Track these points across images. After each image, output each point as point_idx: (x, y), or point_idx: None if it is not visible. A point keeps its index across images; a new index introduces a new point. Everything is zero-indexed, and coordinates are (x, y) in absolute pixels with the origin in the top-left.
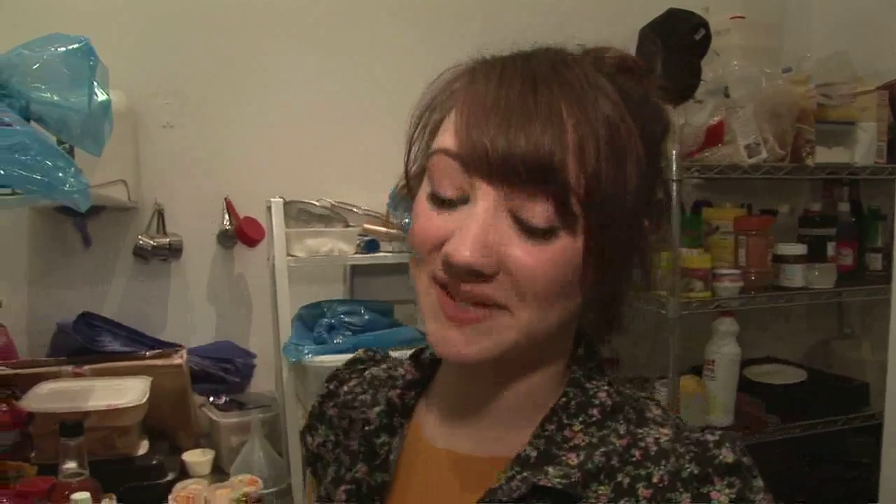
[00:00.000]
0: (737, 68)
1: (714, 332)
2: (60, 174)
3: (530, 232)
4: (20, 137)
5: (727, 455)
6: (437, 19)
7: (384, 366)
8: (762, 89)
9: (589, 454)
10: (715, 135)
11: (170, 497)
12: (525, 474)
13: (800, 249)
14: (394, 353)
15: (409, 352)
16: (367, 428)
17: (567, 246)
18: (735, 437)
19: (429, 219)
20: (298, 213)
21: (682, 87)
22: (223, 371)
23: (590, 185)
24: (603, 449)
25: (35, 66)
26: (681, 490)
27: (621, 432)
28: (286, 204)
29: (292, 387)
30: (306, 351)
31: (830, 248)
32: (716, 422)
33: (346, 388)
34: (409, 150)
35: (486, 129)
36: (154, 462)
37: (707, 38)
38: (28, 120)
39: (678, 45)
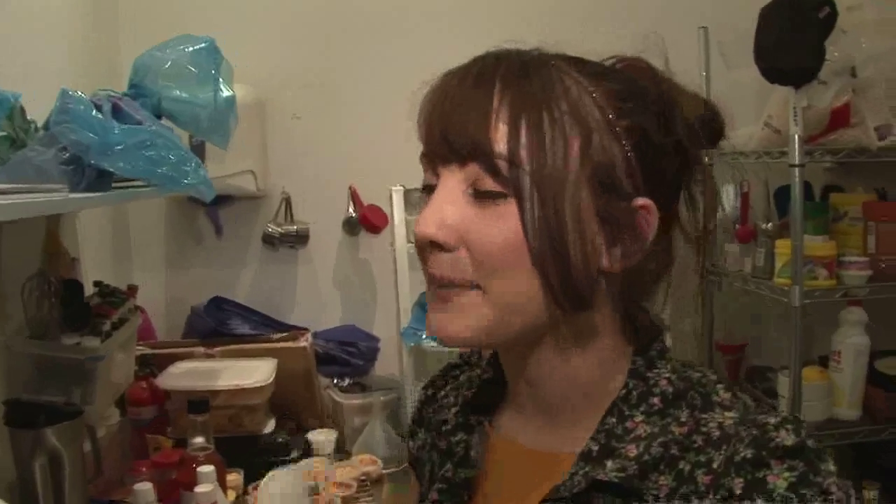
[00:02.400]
0: (864, 46)
1: (841, 322)
2: (184, 167)
3: (482, 203)
4: (147, 135)
5: (786, 437)
6: (561, 8)
7: (478, 370)
8: (893, 67)
9: (647, 445)
10: (841, 117)
11: None
12: (586, 469)
13: None
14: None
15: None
16: (443, 428)
17: (513, 211)
18: (798, 419)
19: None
20: (420, 201)
21: (805, 68)
22: (347, 354)
23: (514, 152)
24: (661, 439)
25: (166, 66)
26: (733, 475)
27: (683, 419)
28: (407, 191)
29: (412, 370)
30: (424, 336)
31: None
32: (842, 415)
33: (442, 392)
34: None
35: (432, 121)
36: (280, 440)
37: (832, 17)
38: (160, 117)
39: (801, 25)
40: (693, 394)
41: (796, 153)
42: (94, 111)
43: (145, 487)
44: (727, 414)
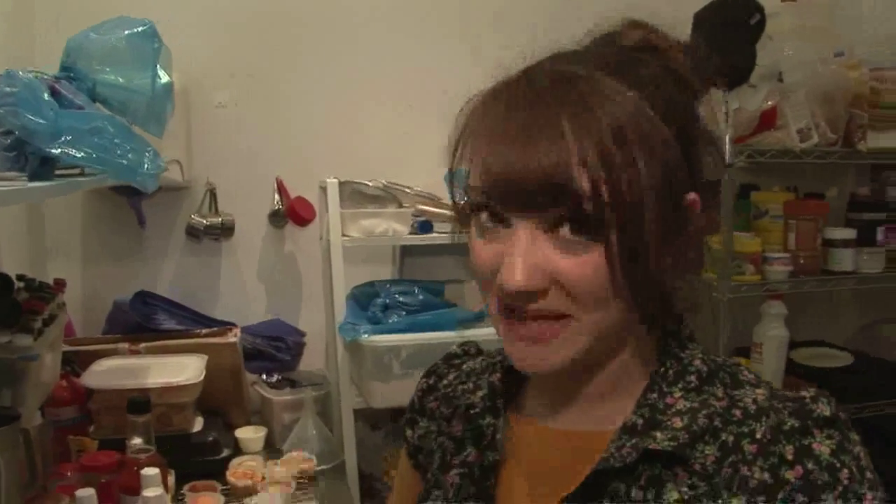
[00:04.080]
0: (790, 53)
1: (763, 315)
2: (137, 156)
3: (569, 244)
4: (99, 121)
5: (824, 409)
6: (493, 5)
7: (479, 359)
8: (816, 74)
9: (692, 417)
10: (768, 119)
11: (228, 473)
12: (634, 441)
13: (849, 234)
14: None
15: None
16: (472, 411)
17: (603, 250)
18: (828, 394)
19: (481, 250)
20: (351, 194)
21: (737, 71)
22: (275, 349)
23: (598, 189)
24: (705, 411)
25: (101, 49)
26: (784, 442)
27: (719, 395)
28: (342, 184)
29: (347, 365)
30: (362, 331)
31: (880, 233)
32: None
33: (445, 381)
34: (452, 181)
35: (499, 161)
36: (210, 438)
37: (762, 23)
38: (94, 102)
39: (734, 30)
40: (723, 374)
41: (727, 153)
42: (45, 94)
43: (87, 493)
44: (758, 391)
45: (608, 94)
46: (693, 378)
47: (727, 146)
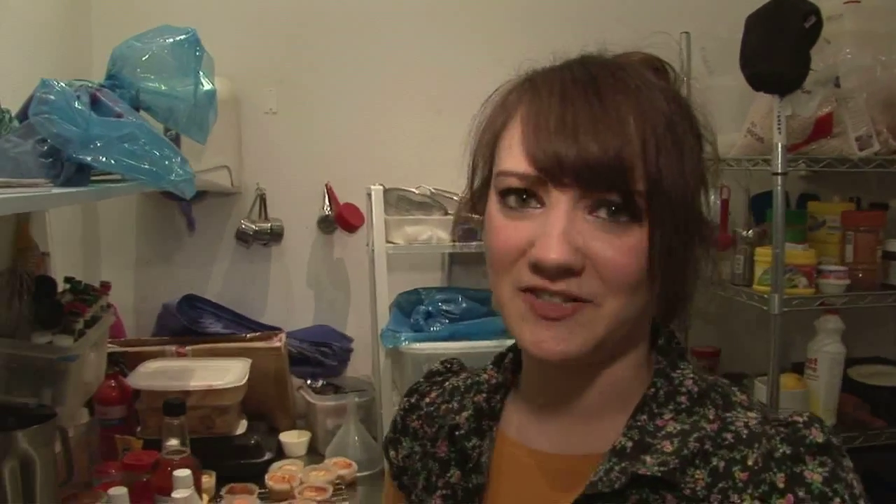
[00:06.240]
0: (849, 56)
1: (818, 330)
2: (167, 163)
3: (607, 226)
4: (130, 129)
5: (817, 435)
6: (539, 8)
7: (463, 376)
8: (876, 78)
9: (683, 441)
10: (824, 126)
11: (266, 476)
12: (623, 465)
13: None
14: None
15: (486, 364)
16: (457, 433)
17: (640, 235)
18: (821, 419)
19: (506, 229)
20: (398, 201)
21: (790, 76)
22: (321, 355)
23: (653, 178)
24: (696, 434)
25: (145, 58)
26: (775, 470)
27: (711, 417)
28: (385, 191)
29: (388, 372)
30: (403, 338)
31: None
32: None
33: (427, 399)
34: (473, 167)
35: (557, 140)
36: (252, 441)
37: (818, 26)
38: (137, 109)
39: (787, 34)
40: (714, 394)
41: (779, 161)
42: (77, 102)
43: (120, 492)
44: (750, 414)
45: (657, 88)
46: (684, 399)
47: (780, 154)
